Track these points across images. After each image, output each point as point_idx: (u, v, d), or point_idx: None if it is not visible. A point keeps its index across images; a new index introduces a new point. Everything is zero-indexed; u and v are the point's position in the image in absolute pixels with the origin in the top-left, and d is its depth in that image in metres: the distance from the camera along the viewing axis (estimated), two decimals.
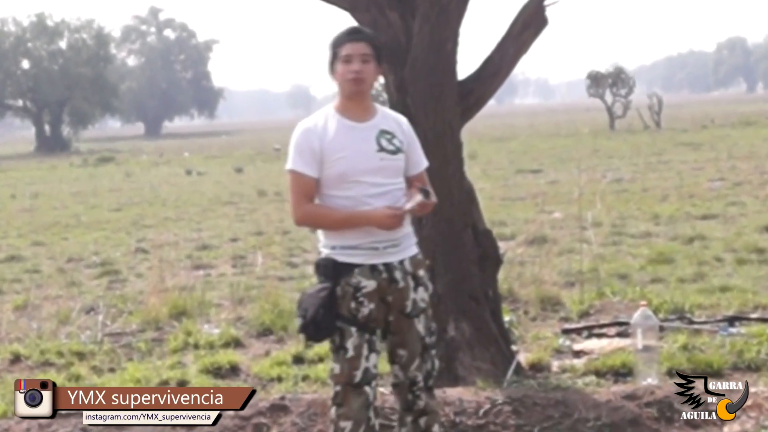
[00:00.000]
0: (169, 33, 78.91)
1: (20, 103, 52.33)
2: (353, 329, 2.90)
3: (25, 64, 52.85)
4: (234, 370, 4.62)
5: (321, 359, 4.65)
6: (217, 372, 4.57)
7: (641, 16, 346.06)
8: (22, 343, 5.28)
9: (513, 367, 4.14)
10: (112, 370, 4.76)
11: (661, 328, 4.61)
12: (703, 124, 29.34)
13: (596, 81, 33.05)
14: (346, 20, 4.07)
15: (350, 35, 2.95)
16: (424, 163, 3.09)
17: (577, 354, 4.62)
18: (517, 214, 10.03)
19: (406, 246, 2.97)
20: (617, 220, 9.37)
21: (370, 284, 2.90)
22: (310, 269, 7.83)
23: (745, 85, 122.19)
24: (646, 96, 34.12)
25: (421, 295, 2.99)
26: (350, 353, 2.90)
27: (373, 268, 2.91)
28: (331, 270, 2.91)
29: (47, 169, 27.47)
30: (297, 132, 2.98)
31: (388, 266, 2.93)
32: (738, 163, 15.07)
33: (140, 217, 12.78)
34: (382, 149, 2.93)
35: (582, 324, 5.15)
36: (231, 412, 3.88)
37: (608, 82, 33.04)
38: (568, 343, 4.79)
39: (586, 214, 7.63)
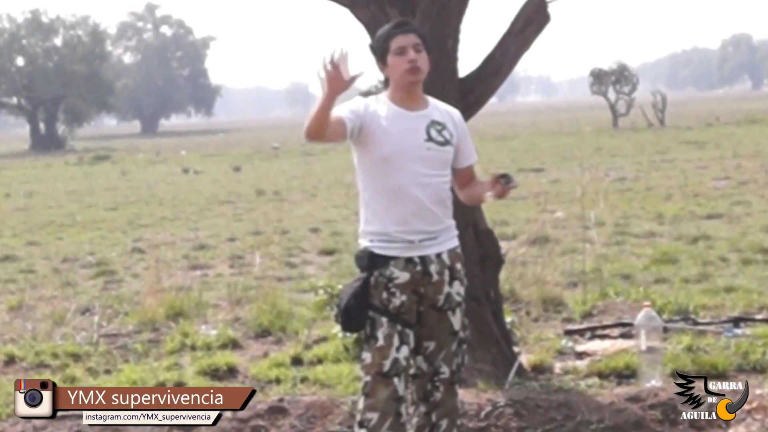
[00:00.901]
0: (165, 30, 78.94)
1: (15, 100, 52.30)
2: (384, 319, 2.91)
3: (20, 61, 52.84)
4: (231, 371, 4.58)
5: (320, 361, 4.62)
6: (214, 374, 4.54)
7: (645, 13, 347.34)
8: (17, 345, 5.23)
9: (515, 368, 4.11)
10: (107, 371, 4.72)
11: (665, 329, 4.58)
12: (707, 122, 29.40)
13: (599, 78, 33.10)
14: (344, 17, 4.03)
15: (399, 27, 2.95)
16: (474, 157, 3.10)
17: (580, 355, 4.59)
18: (518, 214, 9.99)
19: (444, 239, 2.98)
20: (620, 220, 9.34)
21: (403, 276, 2.91)
22: (309, 269, 7.89)
23: (750, 82, 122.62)
24: (649, 93, 34.20)
25: (457, 289, 2.99)
26: (380, 342, 2.91)
27: (408, 261, 2.92)
28: (367, 261, 2.93)
29: (42, 167, 27.43)
30: (352, 100, 2.97)
31: (424, 259, 2.94)
32: (743, 162, 15.06)
33: (136, 216, 12.74)
34: (430, 139, 2.93)
35: (585, 325, 5.11)
36: (229, 414, 3.85)
37: (611, 80, 33.09)
38: (570, 344, 4.76)
39: (589, 214, 7.59)
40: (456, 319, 2.99)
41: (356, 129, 2.88)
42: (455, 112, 3.07)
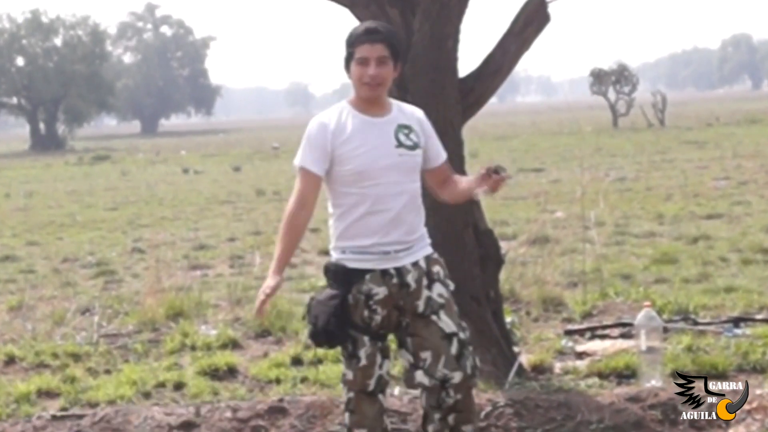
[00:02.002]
0: (165, 30, 78.95)
1: (15, 100, 52.30)
2: (366, 338, 2.85)
3: (20, 61, 52.85)
4: (231, 371, 4.57)
5: (320, 361, 4.61)
6: (214, 374, 4.53)
7: (645, 13, 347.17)
8: (17, 345, 5.22)
9: (515, 368, 4.10)
10: (107, 371, 4.71)
11: (665, 329, 4.57)
12: (707, 122, 29.40)
13: (599, 78, 33.11)
14: (344, 17, 4.02)
15: (366, 35, 2.83)
16: (444, 154, 3.02)
17: (580, 355, 4.58)
18: (518, 214, 9.99)
19: (419, 248, 2.90)
20: (620, 220, 9.34)
21: (381, 291, 2.83)
22: (309, 269, 7.88)
23: (750, 82, 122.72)
24: (649, 94, 34.20)
25: (438, 291, 2.88)
26: (363, 362, 2.86)
27: (384, 273, 2.84)
28: (342, 276, 2.84)
29: (42, 167, 27.41)
30: (311, 126, 2.88)
31: (400, 270, 2.85)
32: (743, 162, 15.06)
33: (136, 216, 12.73)
34: (400, 144, 2.86)
35: (585, 325, 5.10)
36: (229, 414, 3.85)
37: (611, 80, 33.11)
38: (570, 344, 4.75)
39: (589, 214, 7.57)
40: (444, 322, 2.85)
41: (327, 166, 2.84)
42: (418, 112, 2.99)
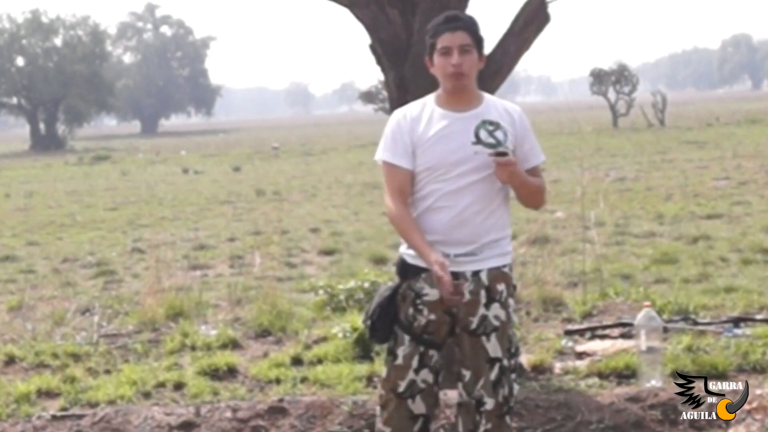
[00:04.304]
0: (165, 30, 78.99)
1: (15, 100, 52.31)
2: (407, 337, 2.73)
3: (20, 61, 52.88)
4: (231, 371, 4.56)
5: (320, 361, 4.61)
6: (214, 374, 4.52)
7: (645, 13, 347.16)
8: (17, 345, 5.21)
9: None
10: (107, 371, 4.70)
11: (665, 329, 4.57)
12: (707, 122, 29.42)
13: (599, 79, 33.13)
14: (345, 17, 4.03)
15: (448, 24, 2.71)
16: (539, 158, 2.81)
17: (580, 355, 4.58)
18: (518, 214, 9.91)
19: (487, 256, 2.72)
20: (620, 220, 9.35)
21: (432, 293, 2.69)
22: (309, 269, 7.88)
23: (750, 82, 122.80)
24: (649, 94, 34.22)
25: (495, 312, 2.72)
26: (399, 361, 2.74)
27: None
28: (401, 270, 2.75)
29: (42, 167, 27.40)
30: (390, 120, 2.79)
31: (457, 276, 2.68)
32: (743, 162, 15.07)
33: (136, 216, 12.73)
34: (479, 141, 2.69)
35: (585, 325, 5.10)
36: (229, 414, 3.85)
37: (611, 80, 33.13)
38: (570, 344, 4.74)
39: (589, 214, 7.58)
40: (492, 345, 2.72)
41: (410, 156, 2.71)
42: (515, 110, 2.81)
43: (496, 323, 2.73)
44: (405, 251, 2.77)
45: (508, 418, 2.80)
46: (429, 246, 2.64)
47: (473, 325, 2.72)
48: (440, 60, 2.70)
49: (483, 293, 2.72)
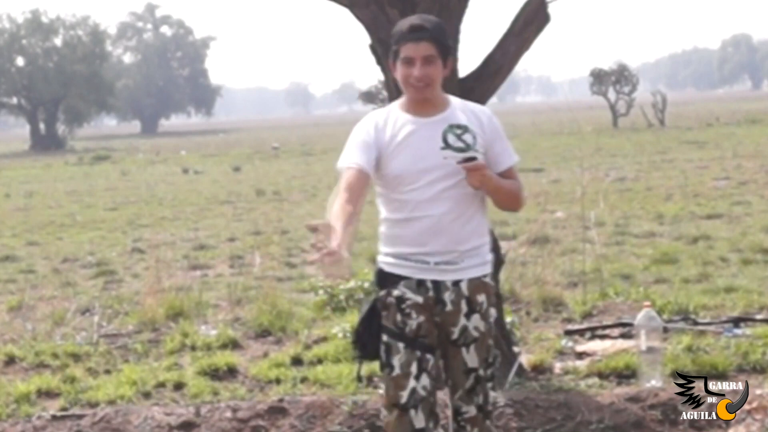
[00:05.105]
0: (165, 30, 79.01)
1: (15, 100, 52.35)
2: (400, 345, 2.64)
3: (20, 61, 52.91)
4: (231, 371, 4.57)
5: (320, 361, 4.61)
6: (214, 374, 4.52)
7: (645, 13, 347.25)
8: (17, 345, 5.21)
9: (515, 368, 4.10)
10: (107, 371, 4.70)
11: (665, 329, 4.57)
12: (707, 122, 29.43)
13: (599, 79, 33.14)
14: (344, 17, 4.03)
15: (411, 33, 2.63)
16: (511, 159, 2.75)
17: (580, 355, 4.58)
18: (518, 214, 9.95)
19: (467, 266, 2.67)
20: (620, 220, 9.35)
21: (415, 297, 2.66)
22: (309, 269, 7.87)
23: (750, 82, 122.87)
24: (649, 94, 34.25)
25: (475, 323, 2.68)
26: (396, 371, 2.64)
27: (420, 283, 2.66)
28: (378, 278, 2.71)
29: (42, 167, 27.41)
30: (355, 129, 2.71)
31: (438, 285, 2.65)
32: (743, 162, 15.07)
33: (136, 216, 12.73)
34: (447, 146, 2.62)
35: (585, 325, 5.09)
36: (229, 414, 3.85)
37: (611, 80, 33.15)
38: (570, 344, 4.74)
39: (589, 214, 7.59)
40: (471, 357, 2.69)
41: (375, 163, 2.63)
42: (484, 112, 2.75)
43: (475, 334, 2.70)
44: (382, 260, 2.72)
45: (488, 422, 2.79)
46: (342, 230, 2.45)
47: (454, 335, 2.69)
48: (403, 69, 2.65)
49: (464, 303, 2.68)
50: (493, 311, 2.74)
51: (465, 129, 2.67)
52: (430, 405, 2.69)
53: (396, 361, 2.65)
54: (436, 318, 2.68)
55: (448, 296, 2.67)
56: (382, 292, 2.69)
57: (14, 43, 52.60)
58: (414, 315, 2.65)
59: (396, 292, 2.66)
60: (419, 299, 2.65)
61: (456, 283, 2.67)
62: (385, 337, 2.67)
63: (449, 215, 2.64)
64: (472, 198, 2.68)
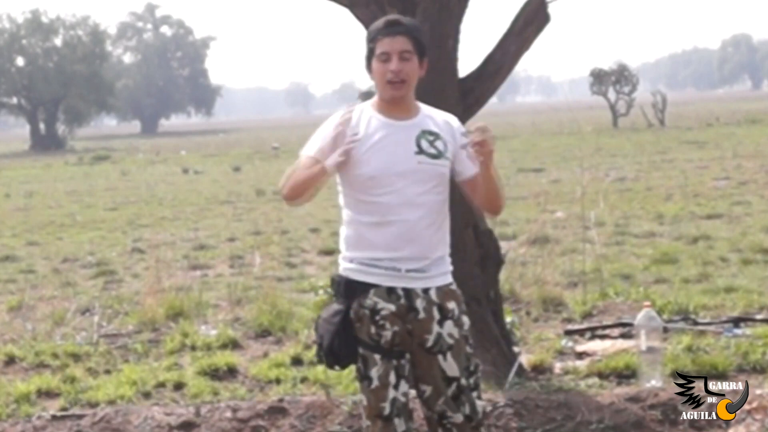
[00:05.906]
0: (165, 30, 78.99)
1: (15, 100, 52.36)
2: (377, 356, 2.62)
3: (20, 61, 52.92)
4: (231, 371, 4.57)
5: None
6: (214, 374, 4.53)
7: (645, 13, 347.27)
8: (17, 345, 5.22)
9: (515, 368, 4.10)
10: (107, 371, 4.71)
11: (665, 329, 4.57)
12: (707, 122, 29.43)
13: (599, 79, 33.17)
14: (344, 17, 4.03)
15: (388, 28, 2.61)
16: (477, 167, 2.68)
17: (580, 355, 4.58)
18: (518, 214, 9.97)
19: (435, 273, 2.66)
20: (620, 220, 9.35)
21: (387, 306, 2.62)
22: (309, 269, 7.88)
23: (750, 82, 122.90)
24: (649, 94, 34.26)
25: (449, 330, 2.64)
26: (375, 383, 2.62)
27: (390, 291, 2.62)
28: (344, 289, 2.64)
29: (42, 167, 27.41)
30: (327, 120, 2.72)
31: (408, 292, 2.63)
32: (743, 162, 15.08)
33: (136, 216, 12.73)
34: (421, 152, 2.62)
35: (585, 325, 5.10)
36: (229, 414, 3.85)
37: (611, 80, 33.17)
38: (570, 344, 4.75)
39: (589, 214, 7.59)
40: (449, 364, 2.64)
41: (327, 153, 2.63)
42: (452, 120, 2.74)
43: (450, 341, 2.66)
44: (347, 267, 2.67)
45: (483, 429, 2.73)
46: (317, 159, 2.60)
47: (429, 343, 2.65)
48: (379, 66, 2.62)
49: (435, 311, 2.65)
50: (465, 319, 2.71)
51: (436, 136, 2.67)
52: (408, 410, 2.69)
53: (374, 373, 2.63)
54: (408, 326, 2.65)
55: (419, 303, 2.64)
56: (354, 304, 2.64)
57: (14, 43, 52.60)
58: (388, 326, 2.62)
59: (368, 302, 2.63)
60: (392, 307, 2.62)
61: (426, 291, 2.65)
62: (360, 350, 2.64)
63: (423, 221, 2.63)
64: (441, 205, 2.68)
